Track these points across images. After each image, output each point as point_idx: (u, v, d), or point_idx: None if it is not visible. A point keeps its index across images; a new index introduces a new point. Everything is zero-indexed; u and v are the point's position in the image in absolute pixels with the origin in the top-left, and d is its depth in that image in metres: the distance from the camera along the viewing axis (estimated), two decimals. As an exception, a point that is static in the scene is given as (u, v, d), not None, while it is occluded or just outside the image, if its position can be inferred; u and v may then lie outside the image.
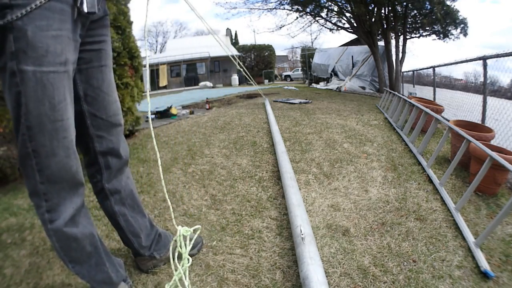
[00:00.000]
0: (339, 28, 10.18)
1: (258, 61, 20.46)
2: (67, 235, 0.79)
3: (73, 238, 0.80)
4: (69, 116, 0.74)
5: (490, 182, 1.77)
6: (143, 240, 1.09)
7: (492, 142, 2.33)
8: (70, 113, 0.75)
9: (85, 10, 0.71)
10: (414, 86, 7.13)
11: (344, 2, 8.89)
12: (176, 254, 0.88)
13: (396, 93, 4.37)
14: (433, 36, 9.00)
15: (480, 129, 2.55)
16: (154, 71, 17.17)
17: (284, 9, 9.83)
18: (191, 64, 19.21)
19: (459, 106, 4.14)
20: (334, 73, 11.48)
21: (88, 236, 0.84)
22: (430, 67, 5.68)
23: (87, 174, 1.02)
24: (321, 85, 11.48)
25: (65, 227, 0.78)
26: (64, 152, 0.74)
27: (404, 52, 8.72)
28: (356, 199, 1.74)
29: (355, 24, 9.02)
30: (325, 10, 9.67)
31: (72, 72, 0.75)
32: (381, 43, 9.06)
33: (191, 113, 4.93)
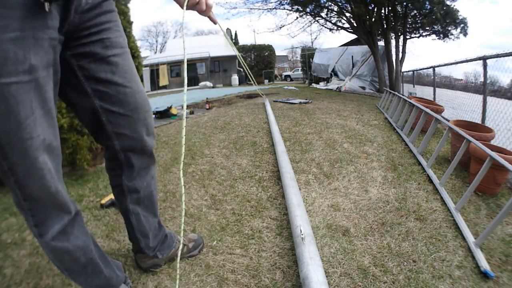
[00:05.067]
0: (339, 28, 10.18)
1: (258, 61, 20.45)
2: (57, 248, 0.75)
3: (65, 251, 0.77)
4: (40, 133, 0.63)
5: (490, 182, 1.77)
6: (151, 241, 1.06)
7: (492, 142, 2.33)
8: (43, 128, 0.64)
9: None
10: (414, 86, 7.13)
11: (344, 2, 8.88)
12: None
13: (396, 93, 4.37)
14: (433, 36, 9.01)
15: (480, 129, 2.55)
16: (154, 71, 17.18)
17: (284, 9, 9.83)
18: (191, 64, 19.20)
19: (459, 106, 4.15)
20: (334, 73, 11.49)
21: (81, 247, 0.80)
22: (430, 67, 5.68)
23: (105, 166, 0.97)
24: (321, 85, 11.48)
25: (54, 241, 0.74)
26: (39, 172, 0.65)
27: (404, 52, 8.72)
28: (356, 199, 1.74)
29: (355, 24, 9.02)
30: (325, 10, 9.67)
31: (49, 76, 0.65)
32: (381, 43, 9.07)
33: (191, 113, 4.93)
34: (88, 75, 0.76)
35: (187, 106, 6.19)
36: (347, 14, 9.20)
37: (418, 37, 9.46)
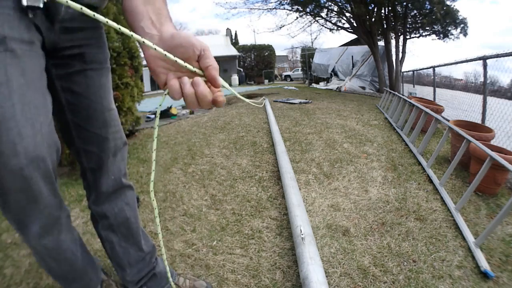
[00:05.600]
0: (339, 28, 10.19)
1: (258, 61, 20.46)
2: (36, 249, 0.73)
3: (45, 253, 0.74)
4: (15, 102, 0.56)
5: (490, 182, 1.77)
6: (129, 274, 0.95)
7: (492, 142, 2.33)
8: (19, 99, 0.57)
9: (24, 2, 0.55)
10: (414, 86, 7.13)
11: (344, 2, 8.89)
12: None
13: (396, 93, 4.37)
14: (433, 36, 9.02)
15: (480, 129, 2.55)
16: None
17: (284, 9, 9.85)
18: (191, 64, 19.12)
19: (459, 105, 4.15)
20: (334, 73, 11.49)
21: (63, 250, 0.76)
22: (430, 67, 5.69)
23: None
24: (321, 85, 11.48)
25: (33, 241, 0.70)
26: (10, 147, 0.55)
27: (404, 52, 8.72)
28: (356, 199, 1.74)
29: (355, 24, 9.03)
30: (325, 10, 9.69)
31: (33, 51, 0.61)
32: (381, 43, 9.07)
33: (191, 113, 4.93)
34: (65, 86, 0.76)
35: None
36: (347, 14, 9.21)
37: (418, 37, 9.47)
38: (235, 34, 29.01)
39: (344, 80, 10.13)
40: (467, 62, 3.96)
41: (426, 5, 7.69)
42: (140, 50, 3.12)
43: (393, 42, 8.66)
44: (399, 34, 8.57)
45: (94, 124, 0.81)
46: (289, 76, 23.84)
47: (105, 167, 0.86)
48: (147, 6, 0.50)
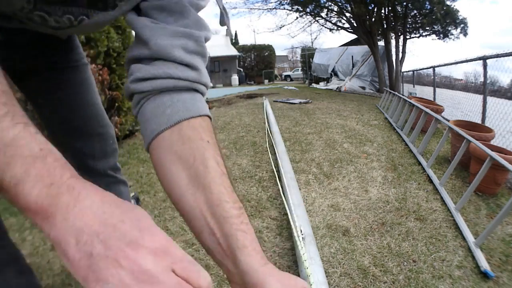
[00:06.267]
0: (339, 28, 10.21)
1: (258, 61, 20.48)
2: None
3: None
4: None
5: (490, 182, 1.77)
6: None
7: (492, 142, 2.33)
8: None
9: None
10: (414, 86, 7.13)
11: (344, 2, 8.91)
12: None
13: (396, 93, 4.37)
14: (433, 36, 9.02)
15: (480, 129, 2.55)
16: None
17: (284, 9, 9.86)
18: (191, 64, 19.10)
19: (459, 105, 4.15)
20: (334, 73, 11.49)
21: None
22: (430, 67, 5.69)
23: None
24: (321, 85, 11.48)
25: None
26: None
27: (404, 52, 8.73)
28: (356, 199, 1.74)
29: (355, 24, 9.03)
30: (325, 10, 9.71)
31: None
32: (381, 43, 9.07)
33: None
34: (38, 85, 0.75)
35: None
36: (347, 14, 9.22)
37: (418, 37, 9.47)
38: (235, 34, 29.06)
39: (344, 80, 10.13)
40: (467, 62, 3.96)
41: (426, 5, 7.70)
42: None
43: (393, 42, 8.66)
44: (399, 34, 8.58)
45: (76, 119, 0.80)
46: (289, 76, 23.84)
47: (90, 164, 0.84)
48: (197, 194, 0.28)
